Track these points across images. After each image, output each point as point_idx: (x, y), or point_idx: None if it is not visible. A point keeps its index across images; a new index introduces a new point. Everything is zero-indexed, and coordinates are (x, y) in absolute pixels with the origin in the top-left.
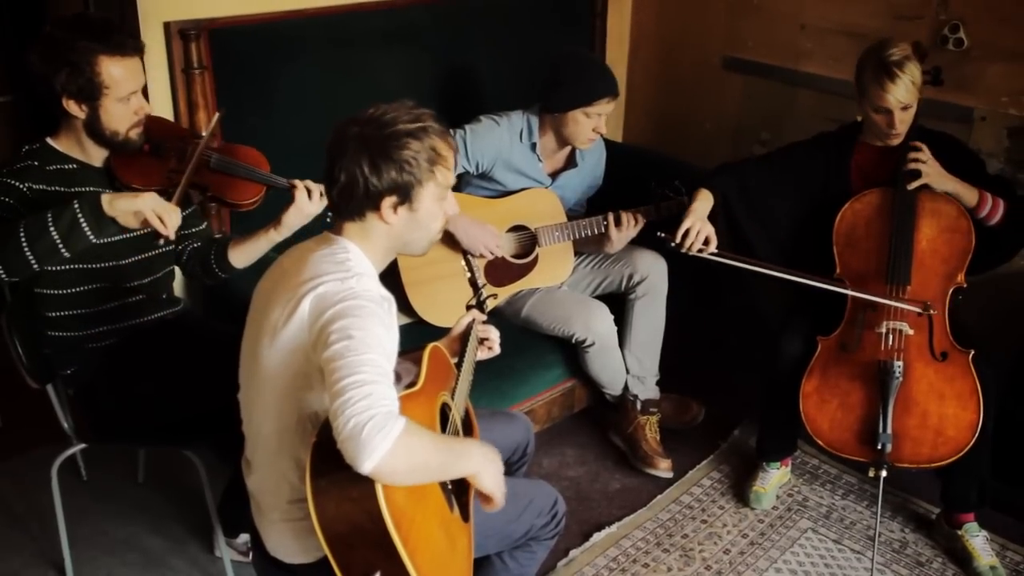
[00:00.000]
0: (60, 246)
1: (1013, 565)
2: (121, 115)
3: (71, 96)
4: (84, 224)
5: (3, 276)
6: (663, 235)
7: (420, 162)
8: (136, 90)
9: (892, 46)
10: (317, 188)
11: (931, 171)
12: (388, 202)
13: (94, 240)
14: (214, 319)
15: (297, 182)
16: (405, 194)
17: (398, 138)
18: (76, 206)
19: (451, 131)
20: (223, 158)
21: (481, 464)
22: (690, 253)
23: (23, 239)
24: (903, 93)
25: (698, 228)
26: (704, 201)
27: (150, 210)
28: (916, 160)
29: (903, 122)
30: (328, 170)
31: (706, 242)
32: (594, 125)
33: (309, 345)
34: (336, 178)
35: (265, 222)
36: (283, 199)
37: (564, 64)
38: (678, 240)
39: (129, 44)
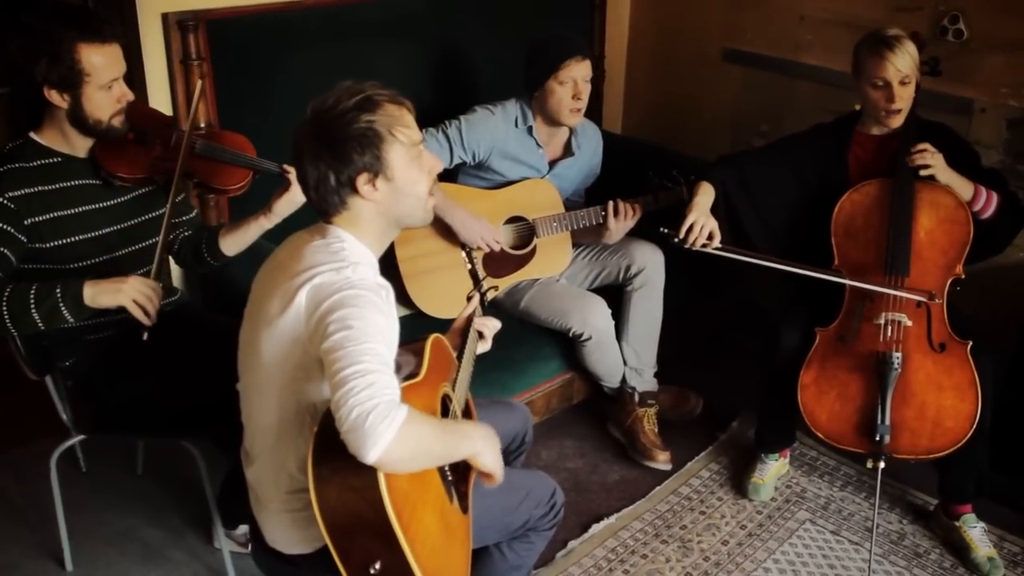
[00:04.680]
0: (40, 325)
1: (1011, 556)
2: (103, 103)
3: (52, 86)
4: (64, 311)
5: None
6: (666, 231)
7: (376, 130)
8: (118, 77)
9: (888, 29)
10: None
11: (938, 163)
12: (363, 180)
13: (73, 323)
14: (212, 309)
15: (288, 167)
16: (374, 167)
17: (345, 115)
18: (58, 293)
19: (447, 123)
20: (208, 143)
21: (482, 445)
22: (694, 248)
23: (5, 314)
24: (902, 62)
25: (702, 223)
26: (706, 195)
27: (131, 302)
28: (922, 154)
29: (902, 98)
30: (298, 176)
31: (710, 237)
32: (572, 92)
33: (307, 337)
34: (307, 180)
35: (261, 209)
36: (275, 185)
37: (532, 45)
38: (681, 235)
39: (107, 30)
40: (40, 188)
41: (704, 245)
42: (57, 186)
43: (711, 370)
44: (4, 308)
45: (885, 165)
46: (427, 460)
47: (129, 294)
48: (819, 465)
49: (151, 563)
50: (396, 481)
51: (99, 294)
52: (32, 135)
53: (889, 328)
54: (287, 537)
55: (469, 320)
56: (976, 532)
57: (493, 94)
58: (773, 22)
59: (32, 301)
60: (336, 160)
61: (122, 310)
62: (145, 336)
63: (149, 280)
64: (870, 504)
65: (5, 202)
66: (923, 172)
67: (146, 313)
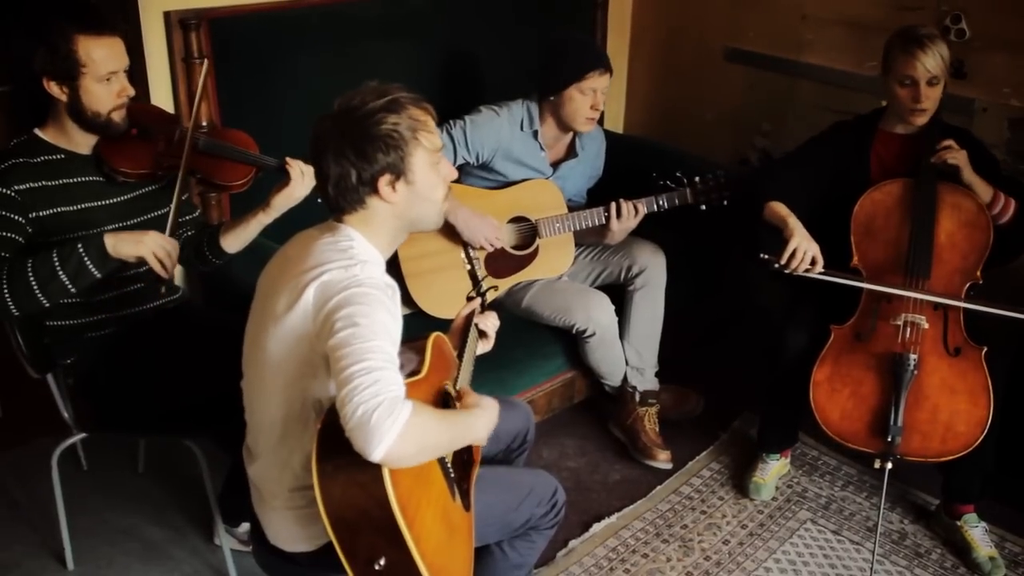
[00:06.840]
0: (69, 286)
1: (1012, 556)
2: (102, 96)
3: (51, 77)
4: (89, 264)
5: (15, 313)
6: (767, 257)
7: (402, 132)
8: (117, 70)
9: (921, 26)
10: (309, 169)
11: (962, 159)
12: (384, 181)
13: (99, 276)
14: (213, 307)
15: (290, 160)
16: (397, 168)
17: (373, 116)
18: (80, 249)
19: (451, 122)
20: (211, 140)
21: (486, 432)
22: (795, 274)
23: (33, 282)
24: (932, 63)
25: (804, 248)
26: (793, 215)
27: (151, 254)
28: (948, 150)
29: (928, 98)
30: (317, 171)
31: (812, 262)
32: (591, 102)
33: (313, 334)
34: (327, 175)
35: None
36: (275, 182)
37: (553, 46)
38: (783, 261)
39: (107, 23)
40: (44, 183)
41: (807, 270)
42: (60, 182)
43: (712, 369)
44: (31, 278)
45: (906, 166)
46: (433, 453)
47: (149, 246)
48: (820, 465)
49: (152, 561)
50: (401, 477)
51: (120, 243)
52: (36, 131)
53: (908, 329)
54: (290, 535)
55: (468, 320)
56: (977, 532)
57: (495, 93)
58: (775, 21)
59: (57, 263)
60: (360, 159)
61: (125, 305)
62: (163, 290)
63: (168, 237)
64: (871, 504)
65: (12, 194)
66: (951, 160)
67: (164, 267)
